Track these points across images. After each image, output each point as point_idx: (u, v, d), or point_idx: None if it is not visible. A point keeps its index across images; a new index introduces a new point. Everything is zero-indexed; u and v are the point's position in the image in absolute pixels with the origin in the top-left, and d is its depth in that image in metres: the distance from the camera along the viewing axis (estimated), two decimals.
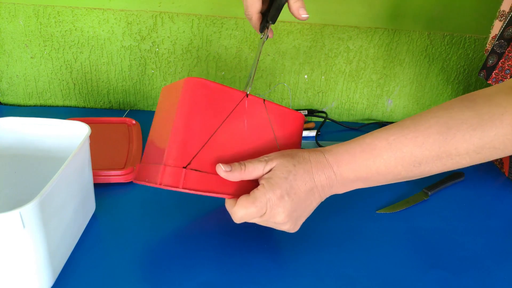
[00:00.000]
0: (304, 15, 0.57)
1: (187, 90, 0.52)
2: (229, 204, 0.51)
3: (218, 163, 0.50)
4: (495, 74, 0.76)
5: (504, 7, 0.76)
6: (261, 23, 0.62)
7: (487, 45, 0.80)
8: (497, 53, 0.75)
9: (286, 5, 0.58)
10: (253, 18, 0.60)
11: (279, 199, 0.48)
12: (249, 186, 0.52)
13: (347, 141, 0.51)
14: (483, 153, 0.45)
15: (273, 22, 0.60)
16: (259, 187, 0.49)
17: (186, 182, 0.49)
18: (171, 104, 0.54)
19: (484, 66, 0.79)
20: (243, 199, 0.49)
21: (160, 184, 0.49)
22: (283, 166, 0.49)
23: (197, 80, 0.52)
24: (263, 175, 0.50)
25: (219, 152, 0.52)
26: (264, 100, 0.57)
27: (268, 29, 0.60)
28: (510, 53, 0.74)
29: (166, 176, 0.49)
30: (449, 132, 0.45)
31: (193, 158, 0.50)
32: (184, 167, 0.49)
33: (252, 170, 0.50)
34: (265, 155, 0.52)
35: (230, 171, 0.49)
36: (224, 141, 0.53)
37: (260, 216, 0.49)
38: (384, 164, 0.48)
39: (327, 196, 0.52)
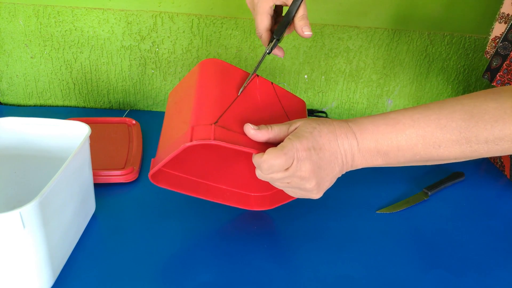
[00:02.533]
0: (306, 32, 0.59)
1: (204, 66, 0.59)
2: (257, 157, 0.50)
3: (243, 125, 0.52)
4: (499, 76, 0.76)
5: (505, 9, 0.76)
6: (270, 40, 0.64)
7: (487, 48, 0.80)
8: (501, 55, 0.75)
9: None
10: (263, 35, 0.62)
11: (306, 151, 0.49)
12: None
13: (371, 115, 0.52)
14: (501, 145, 0.46)
15: (277, 37, 0.61)
16: (285, 140, 0.50)
17: (217, 135, 0.49)
18: (188, 88, 0.58)
19: (488, 68, 0.78)
20: (271, 149, 0.49)
21: (191, 140, 0.49)
22: (308, 124, 0.51)
23: (212, 59, 0.60)
24: (288, 135, 0.51)
25: (240, 119, 0.54)
26: (272, 82, 0.62)
27: (273, 43, 0.61)
28: None
29: (196, 133, 0.50)
30: (471, 120, 0.47)
31: (219, 118, 0.52)
32: (213, 123, 0.51)
33: (278, 131, 0.52)
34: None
35: (258, 129, 0.51)
36: (242, 111, 0.55)
37: (286, 169, 0.49)
38: (405, 140, 0.49)
39: (349, 167, 0.52)
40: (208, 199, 0.63)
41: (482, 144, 0.47)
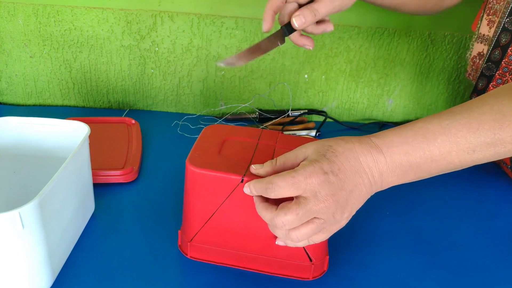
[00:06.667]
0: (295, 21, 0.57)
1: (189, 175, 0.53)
2: (262, 210, 0.47)
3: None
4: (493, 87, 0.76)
5: (483, 30, 0.76)
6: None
7: (468, 69, 0.81)
8: (486, 76, 0.76)
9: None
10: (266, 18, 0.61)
11: (323, 175, 0.44)
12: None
13: (394, 127, 0.48)
14: None
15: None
16: (295, 169, 0.45)
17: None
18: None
19: (475, 90, 0.78)
20: (282, 204, 0.46)
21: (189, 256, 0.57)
22: (320, 146, 0.47)
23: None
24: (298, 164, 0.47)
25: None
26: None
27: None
28: (500, 75, 0.74)
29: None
30: (504, 119, 0.44)
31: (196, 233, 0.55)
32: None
33: (283, 161, 0.48)
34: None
35: (261, 167, 0.49)
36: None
37: (300, 206, 0.44)
38: (438, 149, 0.45)
39: (378, 187, 0.47)
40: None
41: None
